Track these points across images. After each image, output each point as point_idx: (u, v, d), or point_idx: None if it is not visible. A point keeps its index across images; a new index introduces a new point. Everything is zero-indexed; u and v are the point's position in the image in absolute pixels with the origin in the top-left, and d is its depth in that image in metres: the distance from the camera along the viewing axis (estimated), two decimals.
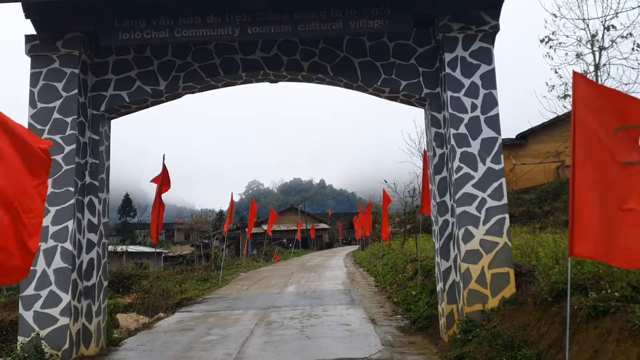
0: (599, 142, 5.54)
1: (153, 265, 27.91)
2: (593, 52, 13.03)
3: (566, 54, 14.10)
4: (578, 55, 13.17)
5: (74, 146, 8.81)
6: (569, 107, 14.76)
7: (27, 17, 8.52)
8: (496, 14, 8.91)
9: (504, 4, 8.87)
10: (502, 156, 8.64)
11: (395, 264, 18.95)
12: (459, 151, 8.63)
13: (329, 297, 15.63)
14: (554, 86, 13.59)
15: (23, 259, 4.38)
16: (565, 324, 5.95)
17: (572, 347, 5.57)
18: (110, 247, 31.92)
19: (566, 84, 13.41)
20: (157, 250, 41.17)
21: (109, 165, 9.85)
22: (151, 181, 13.25)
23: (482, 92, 8.78)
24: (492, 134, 8.67)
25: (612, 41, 12.79)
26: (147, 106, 10.08)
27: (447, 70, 8.85)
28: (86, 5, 8.66)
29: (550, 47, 13.69)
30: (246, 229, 31.95)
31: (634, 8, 11.94)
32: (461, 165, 8.60)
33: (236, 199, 27.50)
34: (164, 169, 13.05)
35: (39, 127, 8.80)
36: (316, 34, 8.82)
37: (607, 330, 5.38)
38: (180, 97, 10.11)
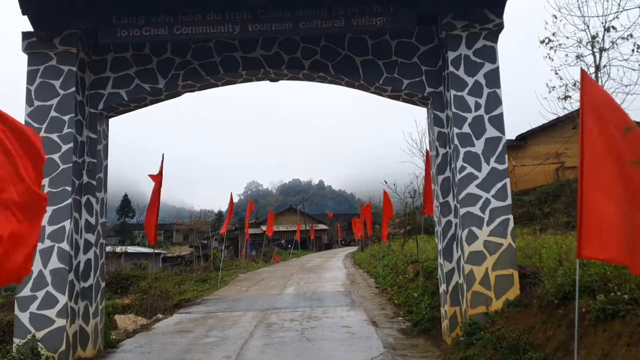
0: (608, 141, 5.42)
1: (151, 266, 27.78)
2: (593, 54, 12.94)
3: (566, 55, 14.01)
4: (578, 57, 13.09)
5: (71, 145, 8.67)
6: (569, 108, 14.69)
7: (24, 13, 8.37)
8: (500, 12, 8.79)
9: (507, 1, 8.76)
10: (506, 156, 8.51)
11: (395, 265, 18.82)
12: (462, 151, 8.50)
13: (329, 298, 15.49)
14: (554, 87, 13.53)
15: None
16: (572, 327, 5.83)
17: (579, 350, 5.43)
18: (108, 248, 31.81)
19: (566, 85, 13.34)
20: (156, 251, 40.98)
21: (106, 165, 9.72)
22: (149, 176, 13.03)
23: (485, 91, 8.66)
24: (496, 133, 8.54)
25: (613, 42, 12.70)
26: (146, 105, 9.94)
27: (451, 68, 8.73)
28: (83, 1, 8.53)
29: (551, 48, 13.61)
30: (245, 230, 31.78)
31: (634, 8, 11.86)
32: (465, 165, 8.47)
33: (235, 199, 27.41)
34: (162, 167, 12.88)
35: (35, 125, 8.65)
36: (318, 31, 8.68)
37: (616, 334, 5.24)
38: (179, 95, 9.97)
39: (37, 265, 8.26)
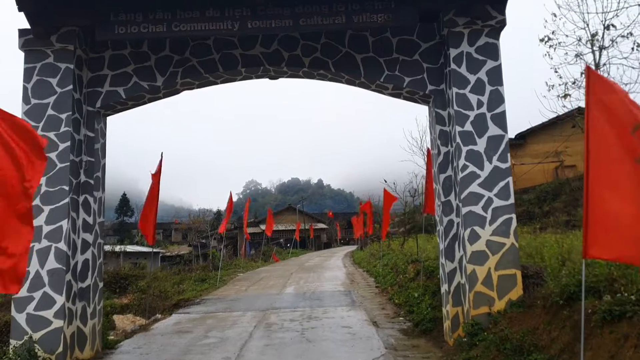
0: (615, 139, 5.32)
1: (150, 265, 27.67)
2: (593, 52, 12.88)
3: (566, 53, 13.96)
4: (578, 55, 13.02)
5: (68, 143, 8.55)
6: (569, 106, 14.66)
7: (20, 10, 8.24)
8: (502, 9, 8.68)
9: None
10: (508, 154, 8.41)
11: (395, 264, 18.74)
12: (464, 149, 8.40)
13: (329, 298, 15.40)
14: (553, 86, 13.46)
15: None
16: (578, 328, 5.74)
17: (586, 352, 5.34)
18: (107, 247, 31.68)
19: (566, 83, 13.28)
20: (155, 250, 40.86)
21: (104, 164, 9.60)
22: (151, 171, 12.88)
23: (488, 88, 8.55)
24: (498, 131, 8.44)
25: (612, 40, 12.64)
26: (144, 102, 9.83)
27: (452, 66, 8.62)
28: None
29: (550, 46, 13.54)
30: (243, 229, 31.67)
31: (633, 6, 11.79)
32: (467, 163, 8.37)
33: (234, 198, 27.36)
34: (160, 166, 12.75)
35: (32, 123, 8.52)
36: (318, 28, 8.57)
37: (623, 335, 5.15)
38: (178, 93, 9.86)
39: (34, 266, 8.15)
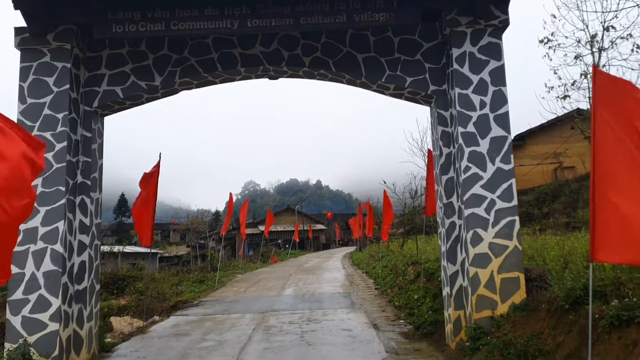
0: (622, 140, 5.21)
1: (148, 266, 27.52)
2: (592, 53, 12.82)
3: (565, 54, 13.91)
4: (577, 57, 12.95)
5: (65, 144, 8.41)
6: (568, 108, 14.61)
7: (16, 8, 8.11)
8: (505, 8, 8.57)
9: None
10: (512, 156, 8.29)
11: (395, 266, 18.61)
12: (467, 150, 8.28)
13: (328, 300, 15.27)
14: (552, 87, 13.39)
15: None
16: (584, 333, 5.63)
17: (593, 358, 5.22)
18: (105, 248, 31.51)
19: (565, 85, 13.22)
20: (153, 251, 40.65)
21: (101, 164, 9.46)
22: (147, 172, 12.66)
23: (491, 89, 8.44)
24: (501, 132, 8.32)
25: (612, 42, 12.57)
26: (142, 102, 9.70)
27: (455, 66, 8.51)
28: None
29: (550, 47, 13.47)
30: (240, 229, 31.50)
31: (633, 7, 11.71)
32: (469, 165, 8.25)
33: (233, 199, 27.30)
34: (157, 166, 12.58)
35: (28, 123, 8.41)
36: (319, 27, 8.45)
37: (632, 341, 5.03)
38: (176, 93, 9.73)
39: (29, 268, 8.01)
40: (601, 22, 12.39)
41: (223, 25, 8.32)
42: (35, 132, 8.26)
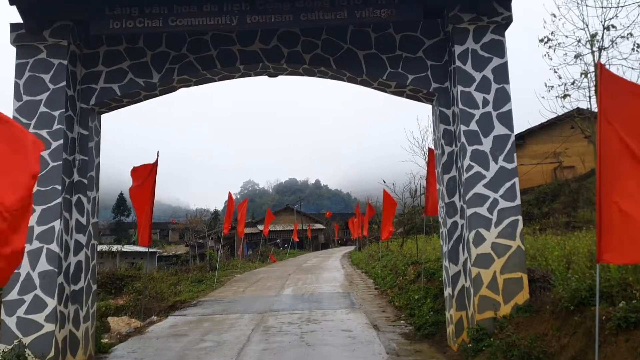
0: (629, 139, 5.10)
1: (147, 266, 27.35)
2: (592, 53, 12.72)
3: (565, 54, 13.82)
4: (577, 56, 12.86)
5: (61, 142, 8.28)
6: (568, 107, 14.52)
7: (11, 3, 7.96)
8: (508, 5, 8.45)
9: None
10: (515, 154, 8.17)
11: (395, 266, 18.49)
12: (469, 149, 8.16)
13: (327, 300, 15.15)
14: (552, 86, 13.30)
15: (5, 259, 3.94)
16: (590, 335, 5.52)
17: None
18: (104, 247, 31.36)
19: (565, 84, 13.13)
20: (151, 250, 40.53)
21: (98, 162, 9.33)
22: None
23: (494, 86, 8.32)
24: (504, 131, 8.21)
25: (612, 41, 12.48)
26: (140, 100, 9.57)
27: (457, 63, 8.39)
28: None
29: (550, 47, 13.38)
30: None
31: (633, 3, 11.63)
32: (472, 164, 8.14)
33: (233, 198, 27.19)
34: (155, 165, 12.43)
35: (24, 120, 8.27)
36: (319, 23, 8.32)
37: None
38: (174, 90, 9.60)
39: (24, 268, 7.87)
40: (601, 21, 12.31)
41: (222, 21, 8.19)
42: (31, 130, 8.12)
